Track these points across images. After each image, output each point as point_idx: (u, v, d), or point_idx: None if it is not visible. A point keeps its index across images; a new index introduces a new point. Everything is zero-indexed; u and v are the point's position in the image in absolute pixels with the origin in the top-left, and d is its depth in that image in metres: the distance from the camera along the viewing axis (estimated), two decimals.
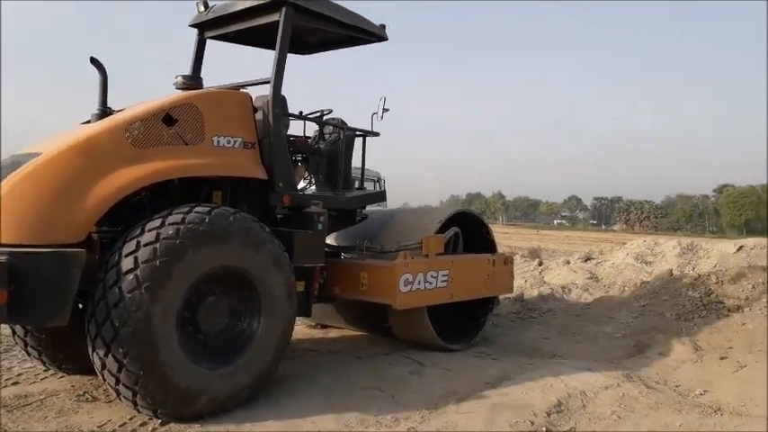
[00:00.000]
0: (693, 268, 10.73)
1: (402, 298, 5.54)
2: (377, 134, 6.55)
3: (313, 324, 7.61)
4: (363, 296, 5.71)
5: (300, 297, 5.00)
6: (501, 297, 7.74)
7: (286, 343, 4.76)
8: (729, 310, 7.46)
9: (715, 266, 10.33)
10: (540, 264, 13.99)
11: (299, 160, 6.15)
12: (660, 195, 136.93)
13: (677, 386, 5.40)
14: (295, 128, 6.20)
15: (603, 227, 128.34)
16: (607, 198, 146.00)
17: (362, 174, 6.79)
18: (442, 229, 6.26)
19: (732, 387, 5.39)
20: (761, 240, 11.66)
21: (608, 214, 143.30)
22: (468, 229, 6.76)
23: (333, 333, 7.42)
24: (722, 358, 6.19)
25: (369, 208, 6.90)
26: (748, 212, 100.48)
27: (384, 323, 6.36)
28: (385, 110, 6.30)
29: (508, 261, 7.25)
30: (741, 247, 11.46)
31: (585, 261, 13.44)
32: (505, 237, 39.35)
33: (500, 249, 7.61)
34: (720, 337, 6.74)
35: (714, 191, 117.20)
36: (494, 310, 7.31)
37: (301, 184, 6.15)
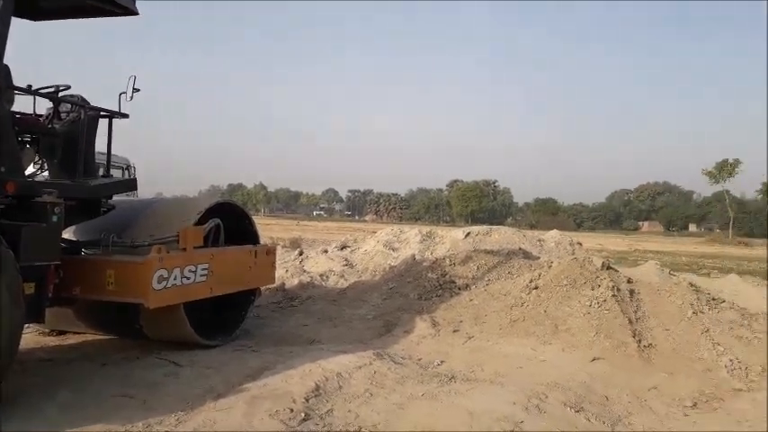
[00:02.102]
0: (432, 253, 12.12)
1: (156, 296, 5.15)
2: (125, 116, 5.95)
3: (47, 330, 6.64)
4: (110, 296, 5.16)
5: (30, 301, 4.32)
6: (263, 288, 7.74)
7: (11, 354, 4.08)
8: (460, 289, 8.61)
9: (448, 251, 11.83)
10: (301, 253, 14.34)
11: (28, 141, 5.29)
12: (405, 189, 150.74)
13: (420, 360, 6.04)
14: (24, 104, 5.31)
15: (357, 217, 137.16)
16: (360, 191, 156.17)
17: (108, 159, 6.14)
18: (202, 221, 6.00)
19: (463, 356, 6.23)
20: (482, 227, 13.70)
21: (361, 206, 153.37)
22: (229, 221, 6.59)
23: (72, 339, 6.58)
24: (455, 331, 7.11)
25: (117, 198, 6.27)
26: (473, 204, 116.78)
27: (134, 324, 5.84)
28: (135, 90, 5.78)
29: (270, 252, 7.26)
30: (468, 233, 13.33)
31: (341, 249, 14.20)
32: (267, 228, 39.39)
33: (264, 241, 7.59)
34: (453, 313, 7.73)
35: (447, 185, 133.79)
36: (255, 302, 7.27)
37: (30, 170, 5.31)
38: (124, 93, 5.78)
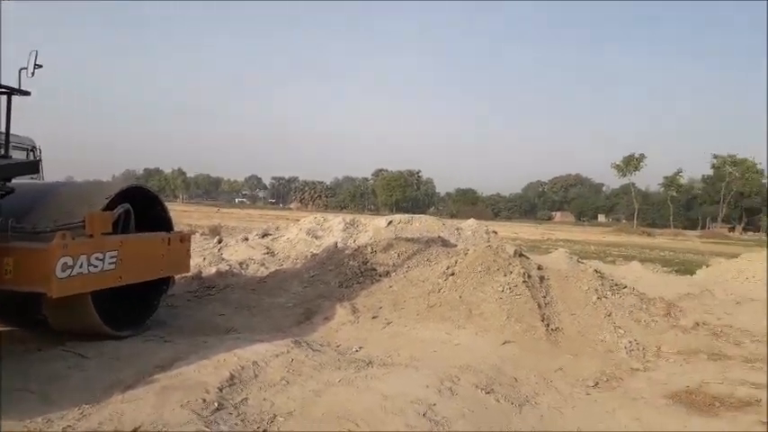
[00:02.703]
0: (355, 241, 12.18)
1: (60, 285, 4.87)
2: (27, 93, 5.56)
3: None
4: (8, 285, 4.82)
5: None
6: (177, 276, 7.49)
7: None
8: (381, 276, 8.71)
9: (371, 239, 11.93)
10: (220, 241, 14.01)
11: None
12: (330, 177, 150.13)
13: (338, 346, 6.08)
14: None
15: (281, 205, 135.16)
16: (284, 178, 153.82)
17: (7, 139, 5.72)
18: (111, 206, 5.71)
19: (381, 341, 6.33)
20: (404, 216, 13.89)
21: (285, 193, 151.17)
22: (141, 207, 6.31)
23: None
24: (374, 317, 7.19)
25: (18, 181, 5.85)
26: (397, 193, 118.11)
27: (37, 314, 5.51)
28: (37, 66, 5.40)
29: (185, 239, 7.02)
30: (390, 222, 13.47)
31: (263, 237, 13.99)
32: (186, 215, 38.14)
33: (180, 228, 7.34)
34: (373, 300, 7.81)
35: (372, 174, 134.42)
36: (169, 291, 7.04)
37: None
38: (25, 68, 5.39)
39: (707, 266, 14.15)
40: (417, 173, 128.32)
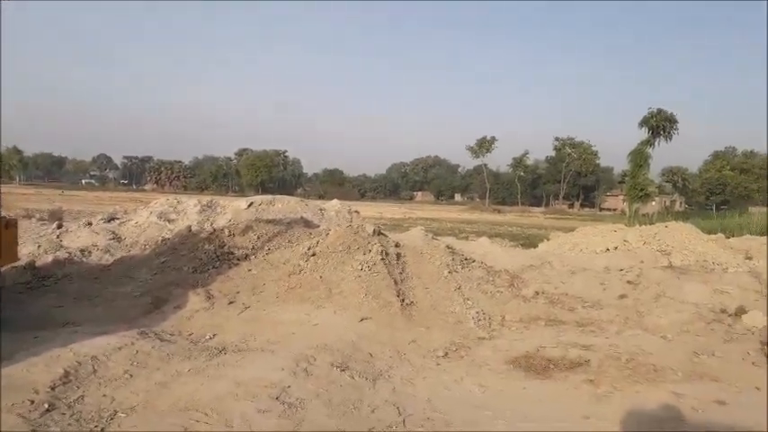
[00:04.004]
0: (212, 224, 11.66)
1: None
2: None
3: None
4: None
5: None
6: (4, 267, 6.68)
7: None
8: (239, 259, 8.44)
9: (230, 221, 11.50)
10: (60, 227, 12.71)
11: None
12: (189, 156, 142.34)
13: (190, 335, 5.80)
14: None
15: (135, 186, 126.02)
16: (138, 157, 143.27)
17: None
18: None
19: (237, 327, 6.14)
20: (266, 197, 13.57)
21: (139, 174, 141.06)
22: None
23: None
24: (230, 303, 6.96)
25: None
26: (263, 174, 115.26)
27: None
28: None
29: (10, 225, 6.26)
30: (251, 203, 13.09)
31: (109, 221, 12.92)
32: (23, 198, 34.35)
33: (9, 213, 6.51)
34: (230, 285, 7.55)
35: (236, 154, 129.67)
36: None
37: None
38: None
39: (547, 240, 15.50)
40: (284, 153, 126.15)
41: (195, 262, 8.26)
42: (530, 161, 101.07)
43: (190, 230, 9.81)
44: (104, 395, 4.10)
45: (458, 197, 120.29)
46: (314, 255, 8.09)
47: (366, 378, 4.76)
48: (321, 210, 13.69)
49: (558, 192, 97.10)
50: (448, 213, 56.08)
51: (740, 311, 7.59)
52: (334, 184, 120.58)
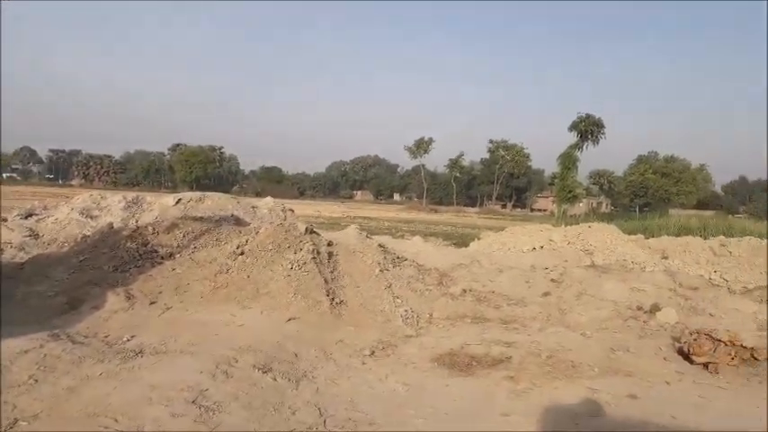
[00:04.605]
0: (137, 221, 11.23)
1: None
2: None
3: None
4: None
5: None
6: None
7: None
8: (163, 258, 8.13)
9: (156, 218, 11.10)
10: None
11: None
12: (120, 150, 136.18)
13: (106, 337, 5.54)
14: None
15: (61, 181, 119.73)
16: (65, 151, 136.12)
17: None
18: None
19: (157, 328, 5.91)
20: (195, 194, 13.19)
21: (66, 168, 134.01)
22: None
23: None
24: (152, 303, 6.70)
25: None
26: (197, 170, 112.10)
27: None
28: None
29: None
30: (179, 200, 12.68)
31: (26, 218, 12.23)
32: None
33: None
34: (152, 284, 7.27)
35: (169, 149, 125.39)
36: None
37: None
38: None
39: (478, 239, 15.82)
40: (220, 149, 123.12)
41: (116, 260, 7.90)
42: (465, 162, 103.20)
43: (112, 227, 9.39)
44: (5, 402, 3.84)
45: (397, 197, 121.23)
46: (242, 254, 7.91)
47: (289, 379, 4.69)
48: (253, 207, 13.42)
49: (491, 192, 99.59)
50: (386, 213, 56.38)
51: (654, 309, 8.00)
52: (273, 181, 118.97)
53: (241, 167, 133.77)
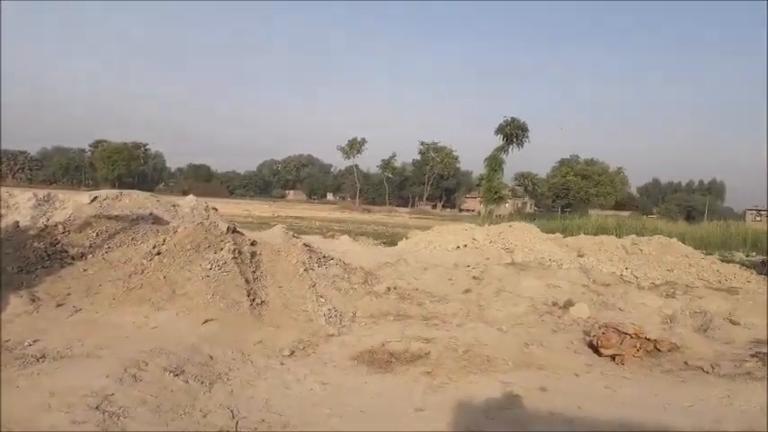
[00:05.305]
0: (48, 219, 10.59)
1: None
2: None
3: None
4: None
5: None
6: None
7: None
8: (74, 258, 7.74)
9: (69, 217, 10.52)
10: None
11: None
12: (37, 147, 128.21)
13: (7, 341, 5.19)
14: None
15: None
16: None
17: None
18: None
19: (64, 332, 5.60)
20: (112, 191, 12.61)
21: None
22: None
23: None
24: (59, 305, 6.35)
25: None
26: (120, 167, 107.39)
27: None
28: None
29: None
30: (95, 197, 12.07)
31: None
32: None
33: None
34: (61, 286, 6.90)
35: (90, 145, 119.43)
36: None
37: None
38: None
39: (406, 238, 16.01)
40: (144, 146, 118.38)
41: (21, 261, 7.43)
42: (397, 163, 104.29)
43: (17, 226, 8.82)
44: None
45: (330, 197, 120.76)
46: (159, 253, 7.64)
47: (202, 382, 4.56)
48: (174, 206, 12.96)
49: (423, 193, 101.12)
50: (318, 212, 56.02)
51: (568, 304, 8.37)
52: (201, 179, 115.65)
53: (167, 165, 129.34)
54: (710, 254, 17.66)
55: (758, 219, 61.93)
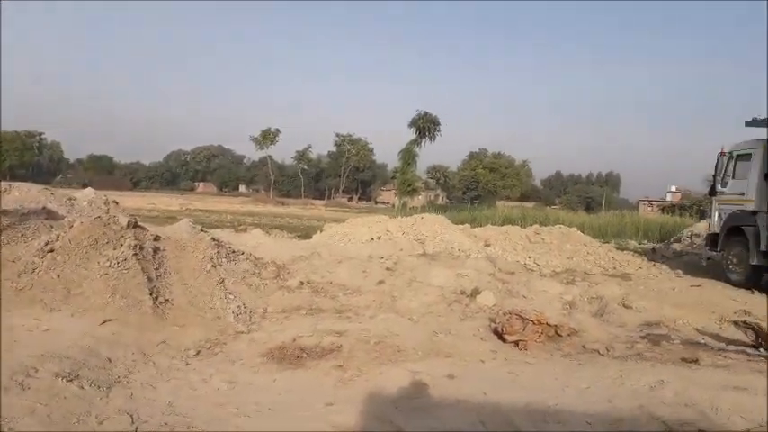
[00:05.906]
0: None
1: None
2: None
3: None
4: None
5: None
6: None
7: None
8: None
9: None
10: None
11: None
12: None
13: None
14: None
15: None
16: None
17: None
18: None
19: None
20: (1, 184, 11.64)
21: None
22: None
23: None
24: None
25: None
26: (12, 158, 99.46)
27: None
28: None
29: None
30: None
31: None
32: None
33: None
34: None
35: None
36: None
37: None
38: None
39: (321, 231, 15.92)
40: (40, 135, 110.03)
41: None
42: (313, 155, 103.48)
43: None
44: None
45: (243, 189, 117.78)
46: (52, 251, 7.13)
47: (99, 386, 4.31)
48: (71, 200, 12.14)
49: (339, 185, 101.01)
50: (230, 205, 54.45)
51: (475, 292, 8.66)
52: (102, 171, 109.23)
53: (65, 156, 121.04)
54: (607, 242, 18.94)
55: (649, 209, 66.88)
